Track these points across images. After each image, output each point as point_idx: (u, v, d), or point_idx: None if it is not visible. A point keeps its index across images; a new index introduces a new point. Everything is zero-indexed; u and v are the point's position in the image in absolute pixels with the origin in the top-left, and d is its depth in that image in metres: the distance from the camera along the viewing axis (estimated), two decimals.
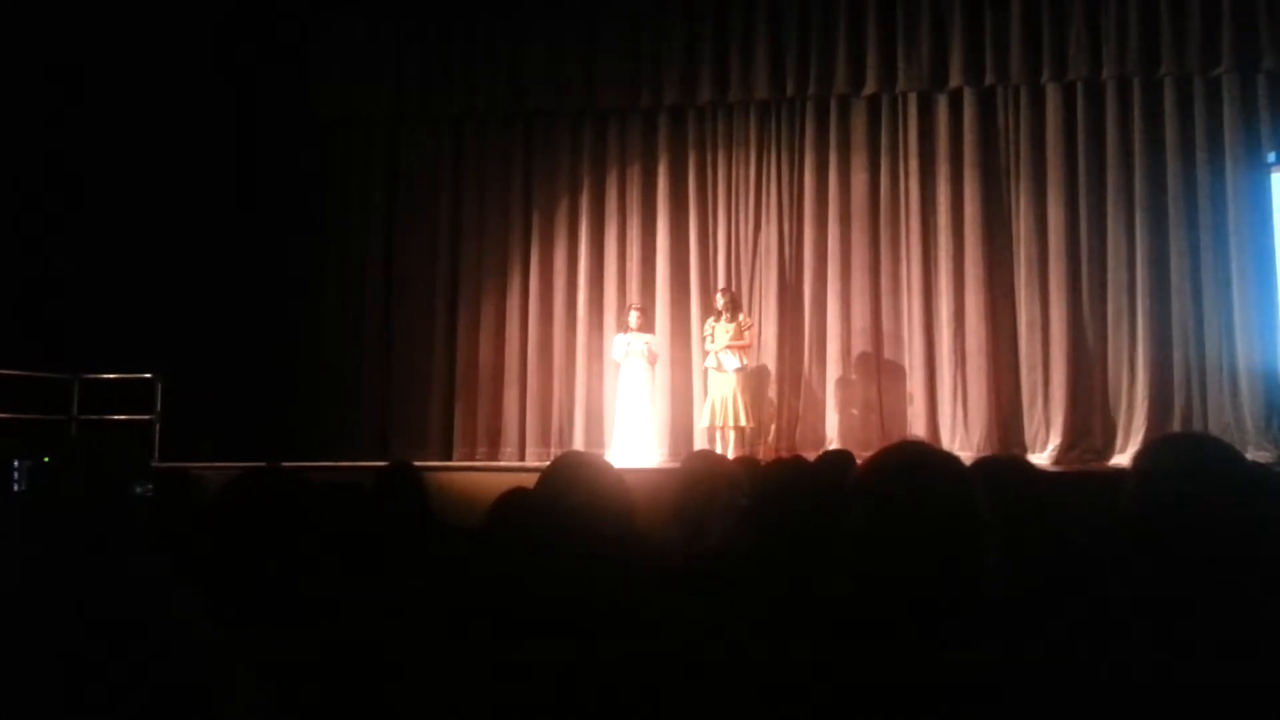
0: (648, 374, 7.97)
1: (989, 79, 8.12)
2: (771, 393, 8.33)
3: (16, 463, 5.12)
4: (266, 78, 8.97)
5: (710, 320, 7.96)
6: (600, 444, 8.10)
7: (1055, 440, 7.81)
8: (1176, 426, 7.43)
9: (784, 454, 7.10)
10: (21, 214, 7.63)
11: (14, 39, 7.57)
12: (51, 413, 7.47)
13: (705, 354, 7.98)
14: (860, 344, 8.26)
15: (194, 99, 8.51)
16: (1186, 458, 1.60)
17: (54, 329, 7.61)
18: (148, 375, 7.63)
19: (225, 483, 1.93)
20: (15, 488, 4.97)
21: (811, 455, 4.92)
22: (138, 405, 7.57)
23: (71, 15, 7.86)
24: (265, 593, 1.68)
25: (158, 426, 7.61)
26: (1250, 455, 6.57)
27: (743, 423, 7.70)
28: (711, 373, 7.85)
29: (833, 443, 8.06)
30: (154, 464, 7.06)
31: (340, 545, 2.06)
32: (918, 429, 8.01)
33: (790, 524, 2.13)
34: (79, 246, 7.94)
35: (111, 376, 7.60)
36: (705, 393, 8.00)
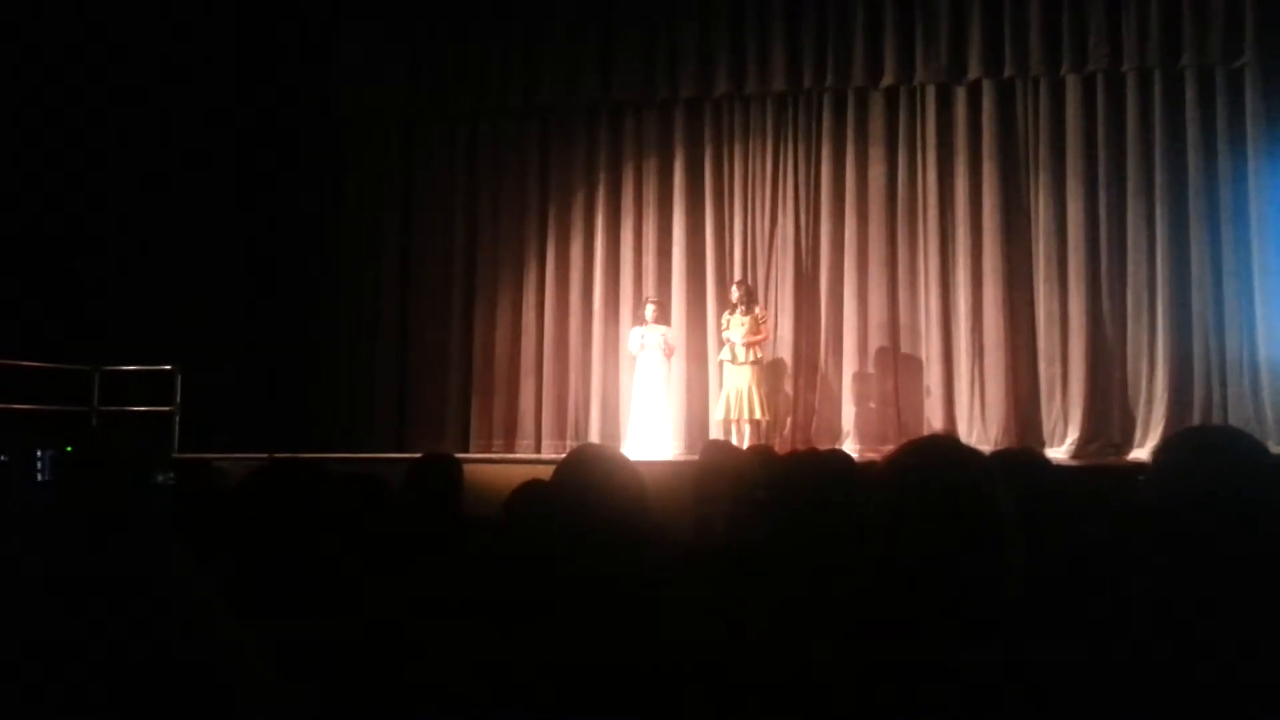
0: (663, 367, 7.97)
1: (1008, 71, 8.05)
2: (787, 386, 8.32)
3: (40, 453, 5.17)
4: (283, 74, 9.00)
5: (725, 313, 7.95)
6: (616, 437, 8.11)
7: (1074, 434, 7.76)
8: (1196, 420, 7.37)
9: (799, 447, 7.09)
10: (42, 208, 7.70)
11: (35, 37, 7.63)
12: (72, 404, 7.54)
13: (721, 346, 7.97)
14: (877, 337, 8.23)
15: (213, 96, 8.58)
16: (1208, 451, 1.59)
17: (75, 321, 7.68)
18: (167, 367, 7.69)
19: (246, 473, 1.95)
20: (39, 477, 5.02)
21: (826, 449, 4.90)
22: (158, 397, 7.64)
23: (92, 16, 7.92)
24: (285, 582, 1.70)
25: (177, 418, 7.68)
26: (1271, 449, 6.51)
27: (758, 416, 7.68)
28: (726, 365, 7.84)
29: (849, 436, 8.05)
30: (175, 455, 7.13)
31: (359, 536, 2.08)
32: (935, 423, 7.97)
33: (807, 517, 2.13)
34: (99, 240, 8.00)
35: (132, 368, 7.66)
36: (720, 385, 8.00)
